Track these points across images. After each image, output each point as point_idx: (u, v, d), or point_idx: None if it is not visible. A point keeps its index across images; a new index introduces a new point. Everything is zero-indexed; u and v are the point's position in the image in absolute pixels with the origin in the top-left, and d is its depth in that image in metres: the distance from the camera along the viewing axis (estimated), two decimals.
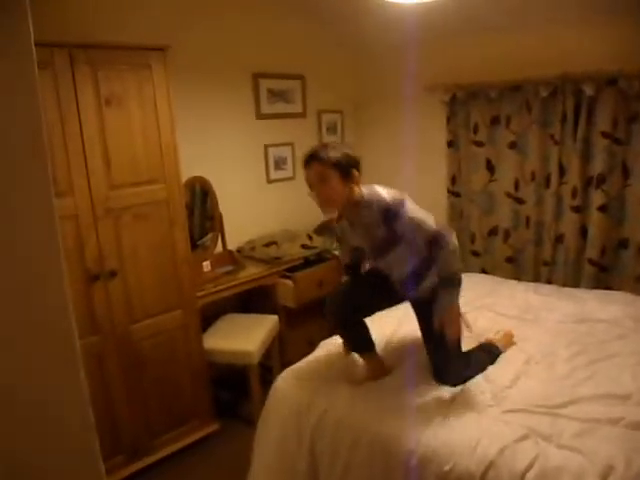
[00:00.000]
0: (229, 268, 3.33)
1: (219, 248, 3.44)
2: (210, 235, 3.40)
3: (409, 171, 4.09)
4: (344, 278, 2.74)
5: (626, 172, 3.18)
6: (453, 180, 3.98)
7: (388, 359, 2.39)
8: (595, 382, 2.13)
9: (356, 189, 2.11)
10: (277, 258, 3.47)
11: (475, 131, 3.76)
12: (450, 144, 3.94)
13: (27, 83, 1.08)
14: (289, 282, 3.37)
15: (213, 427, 3.03)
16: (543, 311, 2.87)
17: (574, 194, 3.34)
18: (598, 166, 3.22)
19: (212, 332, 3.13)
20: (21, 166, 1.08)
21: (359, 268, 2.59)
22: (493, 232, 3.85)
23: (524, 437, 1.81)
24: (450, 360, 2.23)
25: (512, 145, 3.60)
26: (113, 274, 2.51)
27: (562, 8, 3.09)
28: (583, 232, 3.38)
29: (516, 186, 3.64)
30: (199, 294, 2.94)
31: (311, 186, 2.11)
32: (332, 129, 4.32)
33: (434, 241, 2.11)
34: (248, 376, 3.05)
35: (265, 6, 3.62)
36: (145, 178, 2.59)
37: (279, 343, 3.41)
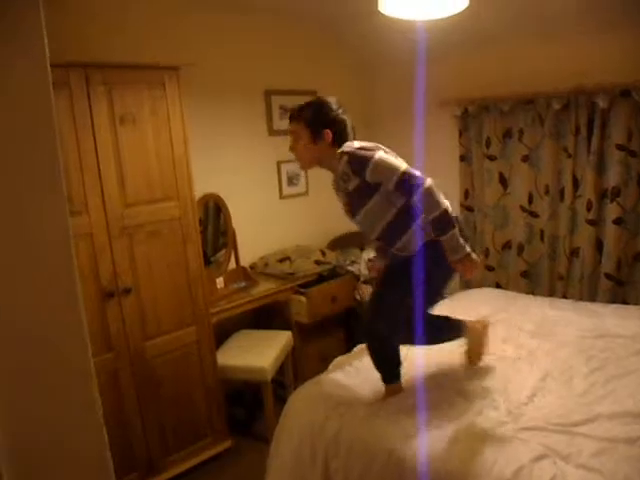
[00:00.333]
0: (242, 284, 3.34)
1: (232, 264, 3.45)
2: (223, 251, 3.42)
3: None
4: (379, 263, 2.52)
5: None
6: (466, 194, 3.97)
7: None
8: (614, 399, 2.09)
9: (336, 150, 2.11)
10: (290, 274, 3.48)
11: (487, 145, 3.75)
12: (462, 158, 3.93)
13: (43, 103, 1.10)
14: (302, 298, 3.37)
15: (227, 444, 3.01)
16: (559, 326, 2.83)
17: (589, 207, 3.31)
18: (613, 179, 3.19)
19: (226, 348, 3.13)
20: (36, 185, 1.10)
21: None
22: (507, 246, 3.82)
23: (541, 456, 1.77)
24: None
25: (525, 158, 3.58)
26: (127, 291, 2.53)
27: (574, 21, 3.09)
28: (598, 245, 3.35)
29: (530, 200, 3.62)
30: (213, 311, 2.95)
31: (290, 143, 2.21)
32: None
33: (404, 183, 1.99)
34: (262, 393, 3.04)
35: (277, 24, 3.66)
36: (159, 196, 2.61)
37: (293, 359, 3.40)
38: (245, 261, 3.57)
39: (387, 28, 3.32)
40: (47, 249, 1.12)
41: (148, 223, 2.58)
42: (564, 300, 3.33)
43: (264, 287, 3.36)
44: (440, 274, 2.23)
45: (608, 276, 3.28)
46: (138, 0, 2.94)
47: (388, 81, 4.35)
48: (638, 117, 3.09)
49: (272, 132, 3.78)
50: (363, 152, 2.03)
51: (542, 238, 3.61)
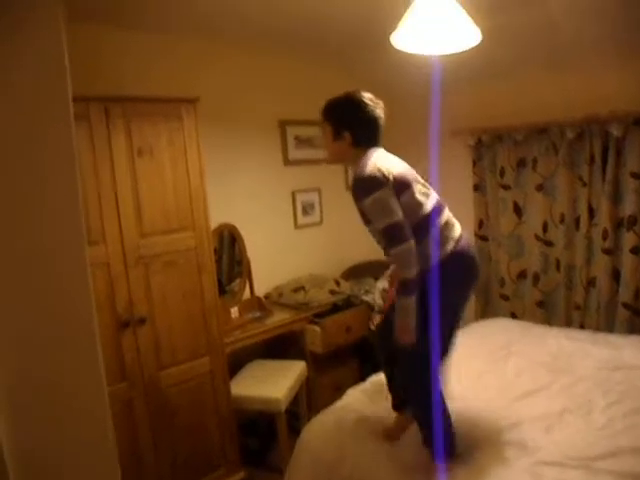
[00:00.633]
0: (257, 314, 3.34)
1: (247, 294, 3.47)
2: (238, 280, 3.44)
3: None
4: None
5: None
6: (480, 224, 3.97)
7: None
8: (633, 434, 2.04)
9: (358, 151, 2.13)
10: (305, 304, 3.48)
11: (502, 174, 3.76)
12: (476, 188, 3.94)
13: (64, 137, 1.13)
14: (317, 328, 3.36)
15: (240, 475, 2.98)
16: (576, 358, 2.79)
17: (605, 236, 3.29)
18: (629, 207, 3.17)
19: (240, 378, 3.12)
20: (56, 216, 1.13)
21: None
22: (522, 275, 3.80)
23: None
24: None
25: (540, 187, 3.58)
26: (142, 321, 2.55)
27: (585, 50, 3.11)
28: (615, 275, 3.31)
29: (545, 228, 3.61)
30: (227, 340, 2.95)
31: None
32: None
33: (388, 232, 1.95)
34: (275, 423, 3.02)
35: (290, 55, 3.71)
36: (175, 226, 2.65)
37: (307, 389, 3.38)
38: (260, 291, 3.58)
39: (400, 60, 3.37)
40: (64, 278, 1.15)
41: (164, 253, 2.61)
42: (580, 330, 3.29)
43: (278, 317, 3.36)
44: (455, 293, 2.15)
45: (626, 305, 3.24)
46: (150, 33, 2.99)
47: (402, 112, 4.38)
48: None
49: (287, 162, 3.82)
50: (369, 184, 1.97)
51: (558, 267, 3.58)
